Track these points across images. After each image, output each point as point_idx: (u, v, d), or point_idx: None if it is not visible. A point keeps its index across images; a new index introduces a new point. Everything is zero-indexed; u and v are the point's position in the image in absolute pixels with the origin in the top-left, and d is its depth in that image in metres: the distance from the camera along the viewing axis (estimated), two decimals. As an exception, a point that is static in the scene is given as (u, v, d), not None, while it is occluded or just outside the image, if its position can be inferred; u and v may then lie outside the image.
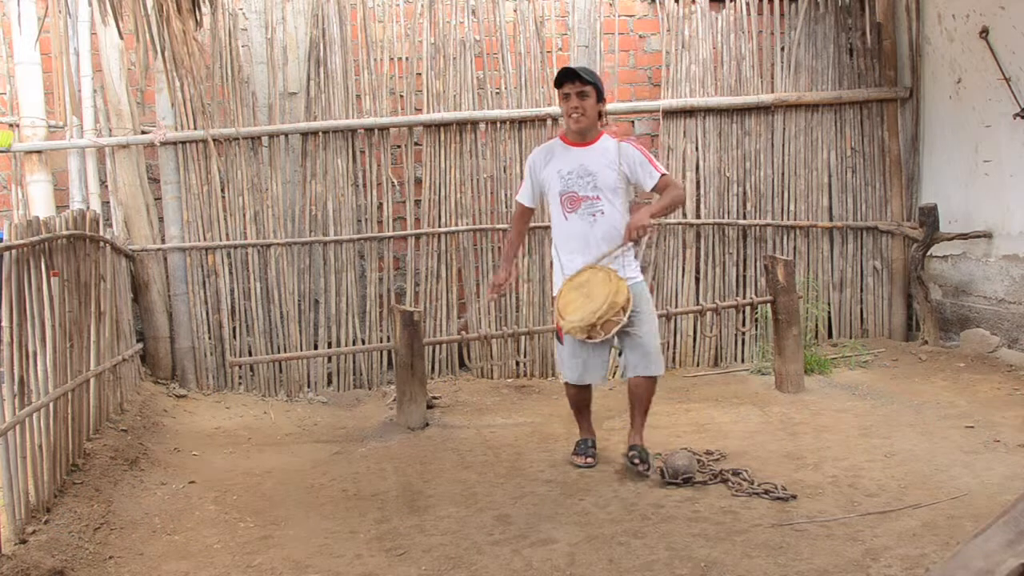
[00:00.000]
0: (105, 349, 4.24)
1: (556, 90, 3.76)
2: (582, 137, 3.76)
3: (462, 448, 4.25)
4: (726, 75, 5.94)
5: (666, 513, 3.24)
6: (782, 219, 6.01)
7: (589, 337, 3.57)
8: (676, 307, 5.59)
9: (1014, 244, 5.42)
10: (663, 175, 3.75)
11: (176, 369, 5.50)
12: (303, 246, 5.57)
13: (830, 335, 6.12)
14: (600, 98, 3.72)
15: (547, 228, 5.58)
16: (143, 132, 5.40)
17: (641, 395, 3.79)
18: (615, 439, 4.15)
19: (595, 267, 3.65)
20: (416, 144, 5.72)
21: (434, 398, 5.10)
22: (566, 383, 3.90)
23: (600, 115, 3.77)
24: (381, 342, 5.59)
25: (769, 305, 5.04)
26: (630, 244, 3.71)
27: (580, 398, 3.92)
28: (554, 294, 3.81)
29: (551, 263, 5.61)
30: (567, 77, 3.67)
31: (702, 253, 5.94)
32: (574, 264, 3.71)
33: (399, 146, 5.72)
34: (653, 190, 3.79)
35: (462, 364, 5.83)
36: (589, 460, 3.82)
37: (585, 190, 3.70)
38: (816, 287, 5.96)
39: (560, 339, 3.80)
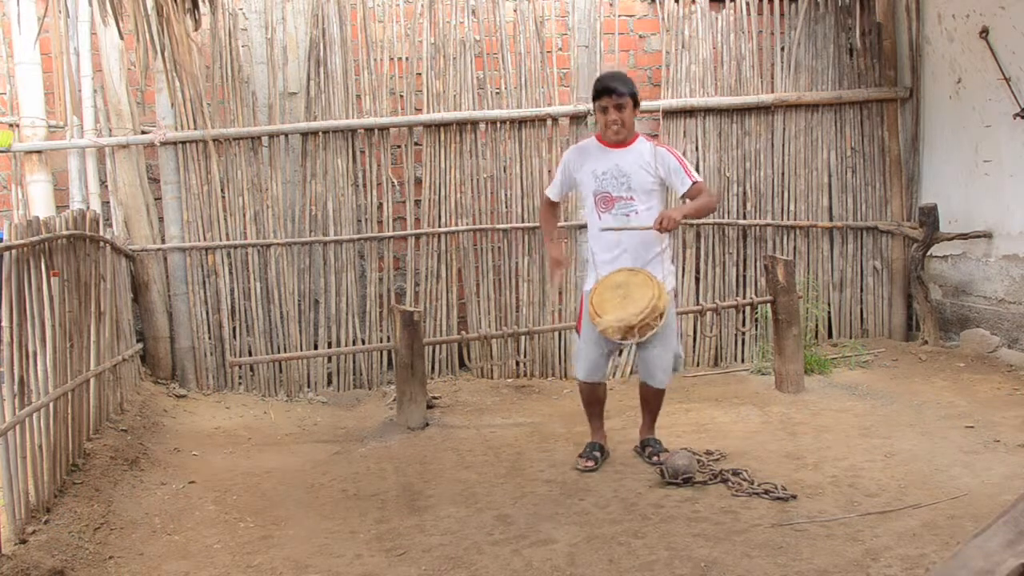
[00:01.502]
0: (105, 349, 4.24)
1: (593, 102, 3.80)
2: (620, 141, 3.81)
3: (462, 448, 4.25)
4: (726, 75, 5.94)
5: (666, 513, 3.24)
6: (782, 219, 6.01)
7: (623, 338, 3.56)
8: (676, 307, 5.58)
9: (1014, 244, 5.42)
10: (695, 182, 3.79)
11: (176, 369, 5.50)
12: (303, 246, 5.57)
13: (830, 335, 6.12)
14: (636, 104, 3.79)
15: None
16: (143, 132, 5.40)
17: (650, 399, 3.97)
18: (615, 439, 4.15)
19: (632, 269, 3.68)
20: (416, 144, 5.72)
21: (434, 398, 5.10)
22: (580, 380, 3.94)
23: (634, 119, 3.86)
24: (381, 342, 5.58)
25: (769, 305, 5.04)
26: (667, 242, 3.81)
27: (594, 395, 3.94)
28: (585, 289, 3.83)
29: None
30: (605, 92, 3.72)
31: (702, 253, 5.94)
32: (608, 264, 3.75)
33: (399, 146, 5.72)
34: (685, 195, 3.84)
35: (462, 364, 5.82)
36: (590, 464, 3.81)
37: (619, 191, 3.74)
38: (816, 287, 5.96)
39: (578, 331, 3.88)
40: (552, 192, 4.02)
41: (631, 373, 5.55)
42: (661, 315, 3.55)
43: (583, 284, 3.96)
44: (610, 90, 3.70)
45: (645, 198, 3.75)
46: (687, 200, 3.84)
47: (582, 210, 5.40)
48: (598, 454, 3.87)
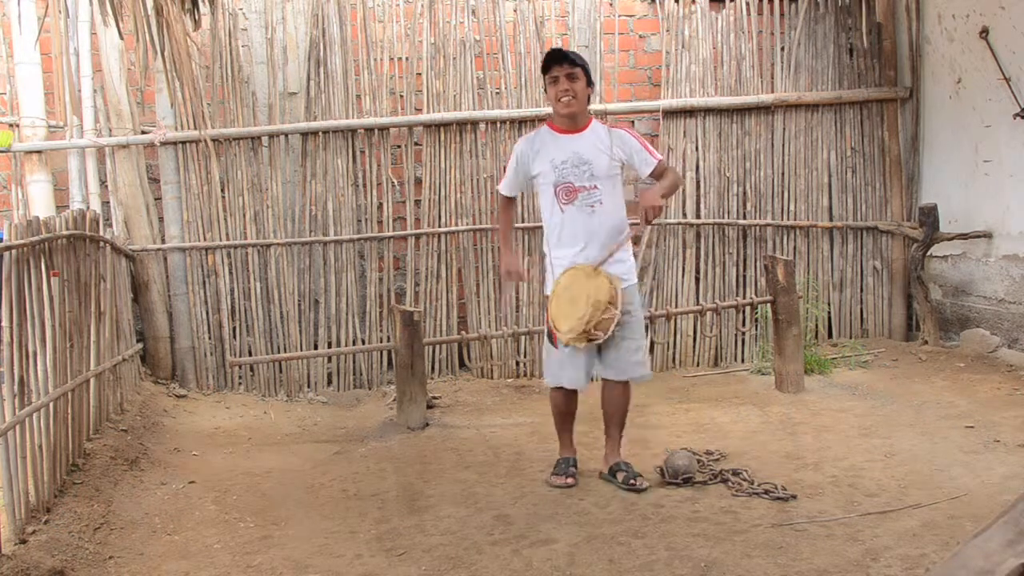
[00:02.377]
0: (105, 349, 4.24)
1: (543, 75, 3.54)
2: (573, 123, 3.54)
3: (462, 448, 4.25)
4: (726, 75, 5.94)
5: (666, 513, 3.24)
6: (782, 219, 6.01)
7: (590, 341, 3.40)
8: (676, 307, 5.59)
9: (1014, 244, 5.42)
10: (659, 160, 3.60)
11: (176, 369, 5.50)
12: (303, 246, 5.57)
13: (830, 335, 6.12)
14: (589, 82, 3.56)
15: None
16: (143, 132, 5.40)
17: (615, 404, 3.63)
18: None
19: (576, 267, 3.46)
20: (416, 144, 5.72)
21: (434, 398, 5.10)
22: (555, 388, 3.64)
23: (588, 99, 3.61)
24: (381, 342, 5.59)
25: (769, 305, 5.04)
26: (646, 228, 3.58)
27: (569, 405, 3.66)
28: (547, 293, 3.61)
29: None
30: (555, 60, 3.46)
31: (702, 253, 5.94)
32: (568, 261, 3.50)
33: (399, 146, 5.72)
34: (651, 176, 3.62)
35: (462, 364, 5.83)
36: (570, 480, 3.57)
37: (581, 180, 3.47)
38: (816, 287, 5.96)
39: (553, 342, 3.56)
40: (506, 187, 3.71)
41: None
42: (610, 304, 3.35)
43: (546, 287, 3.65)
44: (560, 58, 3.46)
45: (609, 186, 3.51)
46: (650, 181, 3.63)
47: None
48: (574, 469, 3.64)
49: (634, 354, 3.56)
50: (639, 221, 3.51)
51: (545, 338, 3.66)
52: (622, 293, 3.43)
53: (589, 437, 4.23)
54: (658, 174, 3.60)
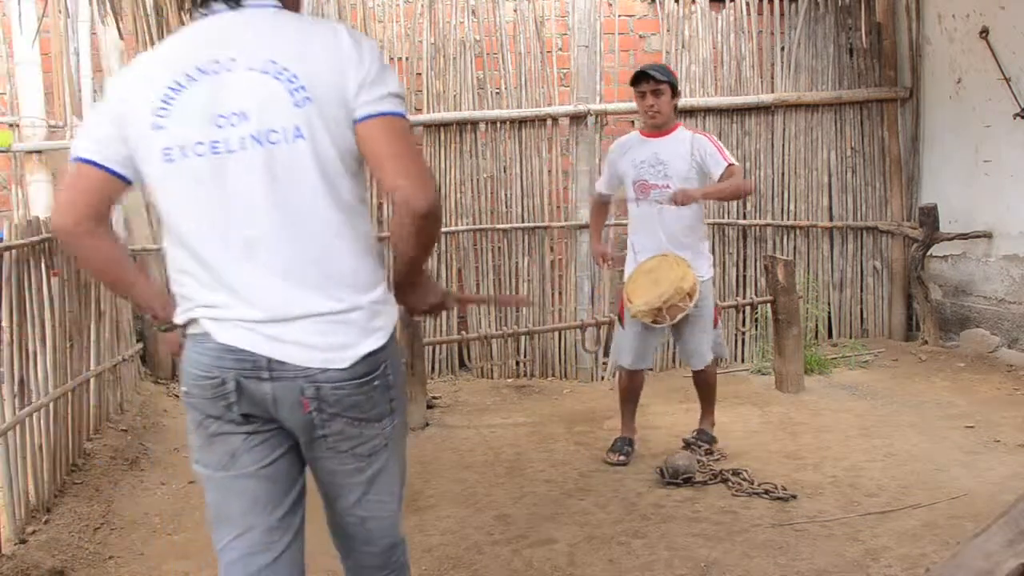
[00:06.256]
0: (105, 349, 4.24)
1: (632, 88, 3.83)
2: (657, 129, 3.85)
3: (462, 448, 4.25)
4: (726, 75, 5.94)
5: (666, 513, 3.24)
6: (782, 219, 6.01)
7: (655, 321, 3.68)
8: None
9: (1014, 244, 5.42)
10: (730, 164, 3.76)
11: (176, 369, 5.49)
12: (303, 246, 5.56)
13: (830, 335, 6.12)
14: (675, 93, 3.81)
15: (546, 228, 5.70)
16: (143, 132, 5.39)
17: (699, 384, 4.12)
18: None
19: (664, 255, 3.75)
20: (416, 144, 5.72)
21: (434, 398, 5.10)
22: (620, 369, 4.00)
23: (675, 108, 3.86)
24: (381, 342, 5.57)
25: (769, 305, 5.04)
26: (705, 229, 3.92)
27: (633, 386, 3.98)
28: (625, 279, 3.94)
29: (552, 262, 5.71)
30: (642, 77, 3.76)
31: (702, 253, 5.93)
32: (648, 251, 3.82)
33: (399, 146, 5.71)
34: (720, 179, 3.77)
35: (462, 364, 5.82)
36: (622, 458, 3.86)
37: (655, 178, 3.77)
38: (816, 287, 5.96)
39: (622, 323, 3.91)
40: (601, 185, 4.10)
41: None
42: (688, 296, 3.63)
43: (624, 274, 4.03)
44: (647, 76, 3.74)
45: (682, 186, 3.72)
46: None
47: (580, 211, 5.62)
48: (629, 448, 3.92)
49: (703, 342, 3.89)
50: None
51: (617, 320, 4.03)
52: (697, 289, 3.70)
53: (589, 437, 4.24)
54: (725, 178, 3.74)
